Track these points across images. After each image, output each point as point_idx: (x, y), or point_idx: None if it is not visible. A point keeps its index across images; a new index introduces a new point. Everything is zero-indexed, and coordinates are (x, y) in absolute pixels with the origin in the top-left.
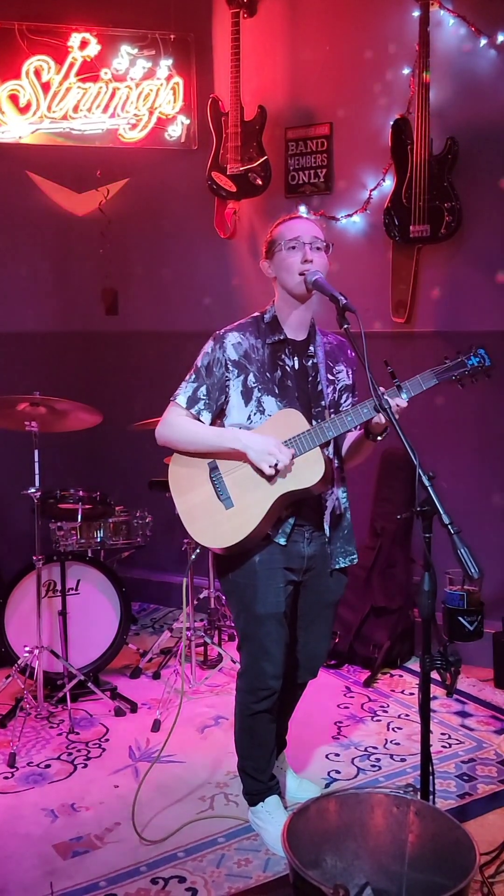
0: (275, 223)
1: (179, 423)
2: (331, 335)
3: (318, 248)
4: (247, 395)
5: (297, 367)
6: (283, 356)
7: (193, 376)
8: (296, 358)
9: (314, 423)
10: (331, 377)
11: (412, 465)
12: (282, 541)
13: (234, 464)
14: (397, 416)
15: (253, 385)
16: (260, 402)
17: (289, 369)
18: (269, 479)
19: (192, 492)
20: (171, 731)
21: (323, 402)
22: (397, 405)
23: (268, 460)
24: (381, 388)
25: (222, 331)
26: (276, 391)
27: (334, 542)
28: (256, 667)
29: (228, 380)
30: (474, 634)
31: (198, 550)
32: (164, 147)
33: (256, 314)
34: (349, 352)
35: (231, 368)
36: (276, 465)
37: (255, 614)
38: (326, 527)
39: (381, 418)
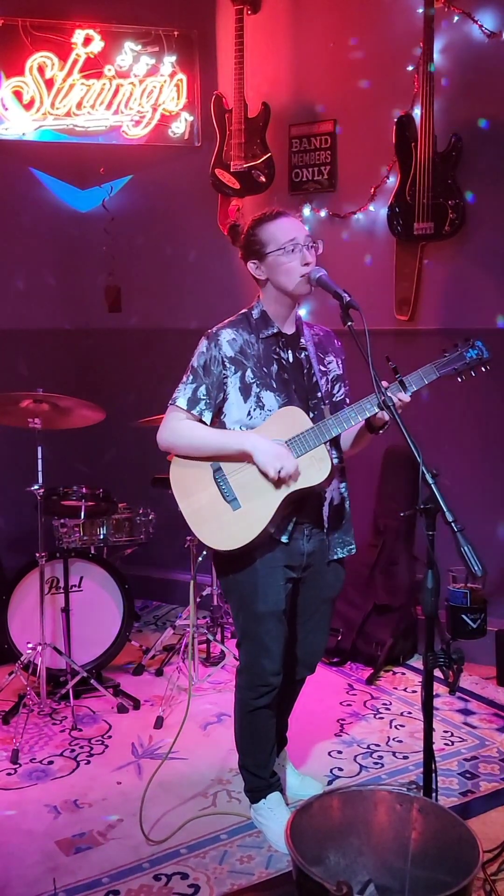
0: (256, 220)
1: (182, 427)
2: (315, 327)
3: (311, 247)
4: (245, 391)
5: (291, 360)
6: (277, 350)
7: (191, 377)
8: (290, 351)
9: (312, 415)
10: (322, 368)
11: (415, 462)
12: (284, 539)
13: (238, 464)
14: (400, 412)
15: (251, 381)
16: (259, 397)
17: (285, 363)
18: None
19: (197, 494)
20: (179, 730)
21: (319, 394)
22: (400, 400)
23: (275, 465)
24: (385, 383)
25: (214, 329)
26: (275, 385)
27: (332, 533)
28: (256, 664)
29: (226, 377)
30: (477, 632)
31: (205, 552)
32: (168, 144)
33: (244, 311)
34: (336, 342)
35: (228, 365)
36: (280, 470)
37: (256, 612)
38: (325, 518)
39: (383, 413)
